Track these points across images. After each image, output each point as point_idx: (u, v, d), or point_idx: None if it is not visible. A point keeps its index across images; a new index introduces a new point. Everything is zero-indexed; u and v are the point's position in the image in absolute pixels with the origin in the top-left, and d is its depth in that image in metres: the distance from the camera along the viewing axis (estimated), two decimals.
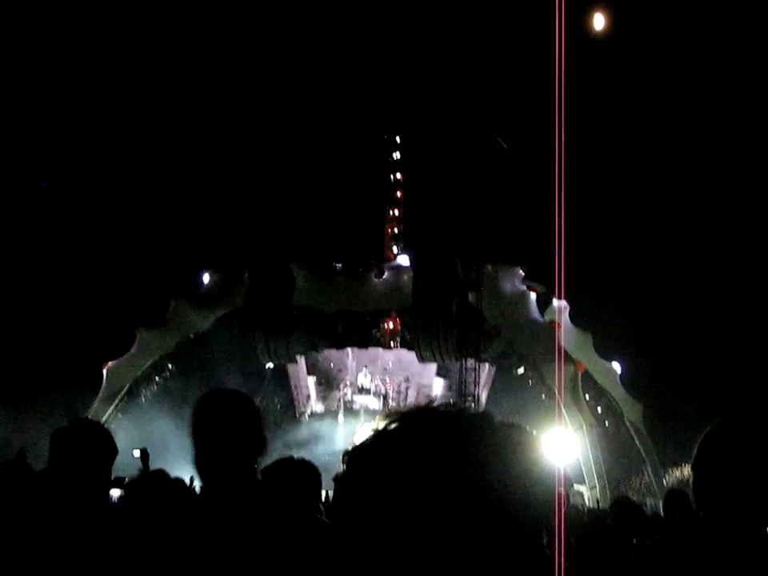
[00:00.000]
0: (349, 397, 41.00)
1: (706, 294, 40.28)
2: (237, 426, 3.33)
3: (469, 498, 1.19)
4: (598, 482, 35.99)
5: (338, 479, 10.24)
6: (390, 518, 1.22)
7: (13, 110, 35.69)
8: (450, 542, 1.18)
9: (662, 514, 8.60)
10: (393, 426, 1.30)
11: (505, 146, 36.11)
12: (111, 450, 3.75)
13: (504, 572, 1.20)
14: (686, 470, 36.64)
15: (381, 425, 1.31)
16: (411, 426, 1.29)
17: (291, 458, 4.31)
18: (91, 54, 37.06)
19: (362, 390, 40.96)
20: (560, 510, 1.28)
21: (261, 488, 3.47)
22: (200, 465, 3.35)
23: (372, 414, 39.82)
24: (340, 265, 38.87)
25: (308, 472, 4.25)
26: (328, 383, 41.59)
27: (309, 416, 41.52)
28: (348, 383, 41.02)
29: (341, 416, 40.97)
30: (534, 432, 1.43)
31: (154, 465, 8.44)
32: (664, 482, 36.48)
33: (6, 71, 34.58)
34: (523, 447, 1.29)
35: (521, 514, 1.22)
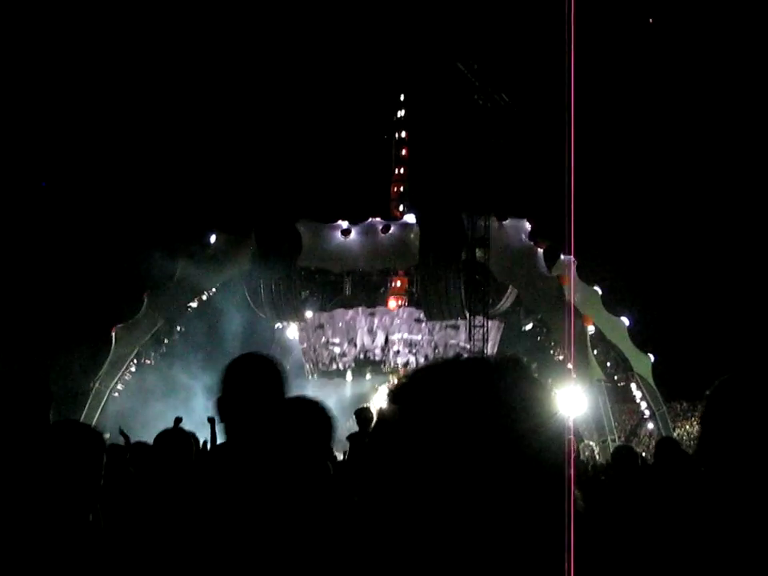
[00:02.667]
0: (357, 355, 41.09)
1: (712, 246, 40.18)
2: (265, 389, 3.38)
3: (502, 444, 1.19)
4: (609, 437, 36.07)
5: (351, 437, 10.24)
6: (427, 464, 1.20)
7: (13, 110, 35.59)
8: (485, 489, 1.18)
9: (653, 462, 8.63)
10: (424, 374, 1.29)
11: (507, 100, 35.83)
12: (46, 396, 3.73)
13: (535, 518, 1.20)
14: (696, 424, 36.76)
15: (412, 373, 1.30)
16: (444, 373, 1.28)
17: (303, 398, 4.25)
18: (91, 54, 36.84)
19: (370, 349, 41.03)
20: (570, 462, 1.25)
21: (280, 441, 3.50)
22: (227, 420, 3.38)
23: (380, 372, 40.04)
24: (346, 223, 38.74)
25: (320, 413, 4.20)
26: (336, 342, 41.64)
27: (317, 375, 41.65)
28: (356, 342, 41.07)
29: (349, 374, 41.13)
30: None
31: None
32: (674, 436, 36.59)
33: (6, 71, 34.46)
34: (548, 395, 1.29)
35: (548, 461, 1.20)
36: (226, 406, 3.39)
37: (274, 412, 3.47)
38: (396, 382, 1.34)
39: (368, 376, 40.92)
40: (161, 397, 33.21)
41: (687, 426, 38.12)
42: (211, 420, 9.78)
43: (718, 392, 2.89)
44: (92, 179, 39.21)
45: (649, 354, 38.25)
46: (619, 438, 36.67)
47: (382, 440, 1.27)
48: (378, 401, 38.77)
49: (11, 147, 36.12)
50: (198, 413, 19.05)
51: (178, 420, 10.14)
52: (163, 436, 5.64)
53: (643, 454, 36.33)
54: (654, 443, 37.17)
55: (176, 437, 5.72)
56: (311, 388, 39.80)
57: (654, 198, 41.26)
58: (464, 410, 1.22)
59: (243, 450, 3.33)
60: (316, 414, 4.19)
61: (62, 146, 39.81)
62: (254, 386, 3.41)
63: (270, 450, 3.39)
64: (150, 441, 6.36)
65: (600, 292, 38.45)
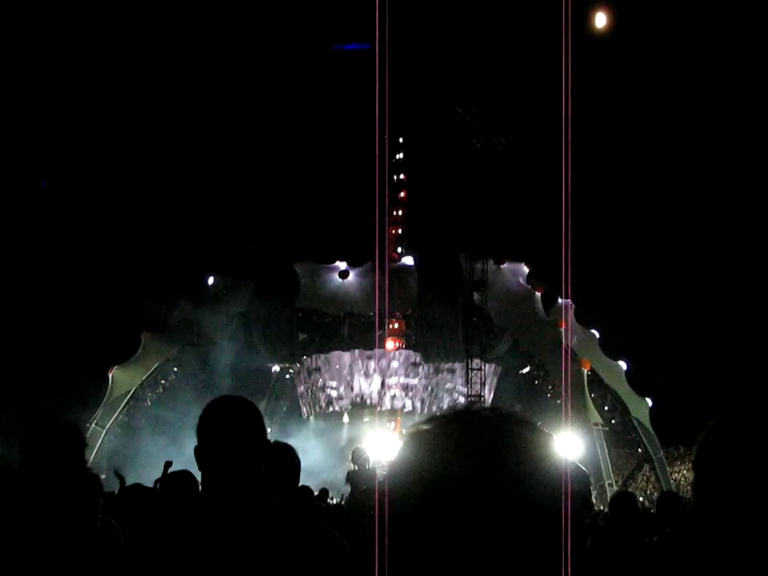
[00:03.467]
0: (354, 399, 40.98)
1: (710, 292, 40.24)
2: (242, 432, 3.33)
3: (518, 498, 1.20)
4: (606, 481, 35.93)
5: (350, 476, 10.25)
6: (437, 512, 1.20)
7: (13, 109, 35.71)
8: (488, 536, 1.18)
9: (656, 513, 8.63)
10: (436, 426, 1.31)
11: (505, 143, 36.07)
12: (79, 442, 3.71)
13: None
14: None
15: (424, 425, 1.32)
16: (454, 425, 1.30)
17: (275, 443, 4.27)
18: (91, 54, 37.04)
19: (366, 393, 40.94)
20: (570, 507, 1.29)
21: (265, 494, 3.47)
22: (204, 470, 3.34)
23: (377, 415, 39.93)
24: (344, 265, 38.83)
25: (286, 455, 4.24)
26: (332, 386, 41.54)
27: (314, 417, 41.54)
28: (352, 386, 40.98)
29: (345, 417, 41.01)
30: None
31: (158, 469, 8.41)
32: (671, 480, 36.46)
33: (6, 71, 34.62)
34: (551, 448, 1.32)
35: (548, 508, 1.23)
36: (202, 454, 3.36)
37: (259, 473, 3.45)
38: (409, 431, 1.35)
39: (365, 418, 40.78)
40: (156, 438, 33.10)
41: (684, 471, 37.96)
42: (167, 464, 9.75)
43: (708, 437, 2.91)
44: (90, 218, 39.30)
45: (646, 398, 38.21)
46: (617, 482, 36.52)
47: (394, 489, 1.29)
48: (374, 442, 38.68)
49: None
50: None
51: (168, 464, 10.02)
52: (169, 479, 5.61)
53: (640, 499, 36.29)
54: (651, 487, 37.17)
55: (182, 480, 5.71)
56: (309, 430, 39.76)
57: (651, 243, 41.37)
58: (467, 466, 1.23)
59: (218, 502, 3.29)
60: (286, 457, 4.22)
61: (61, 178, 39.96)
62: (229, 431, 3.35)
63: (244, 498, 3.36)
64: (144, 482, 6.34)
65: (597, 335, 38.47)
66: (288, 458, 4.23)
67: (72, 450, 3.50)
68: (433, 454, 1.25)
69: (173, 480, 5.84)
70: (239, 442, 3.26)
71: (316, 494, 10.38)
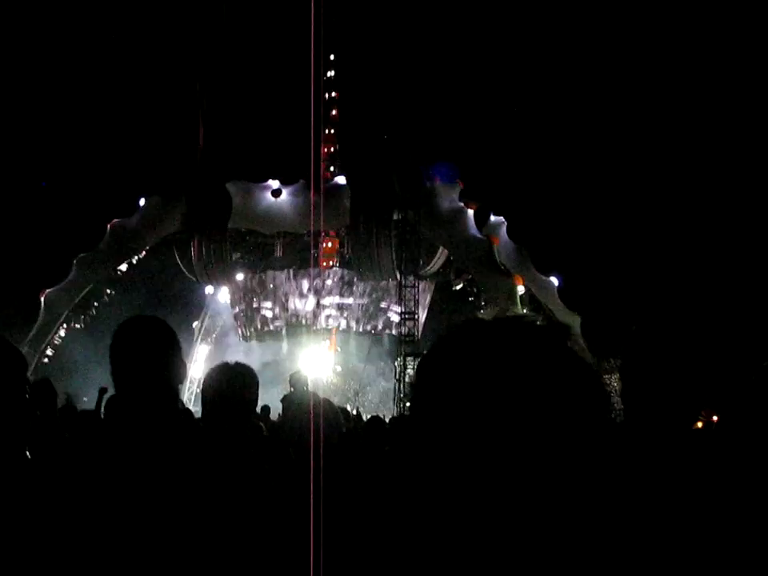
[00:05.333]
0: (289, 319, 41.04)
1: (639, 202, 40.73)
2: (155, 352, 3.34)
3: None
4: None
5: (285, 399, 10.32)
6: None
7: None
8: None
9: None
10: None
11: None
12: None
13: None
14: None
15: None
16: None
17: (227, 364, 4.35)
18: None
19: (302, 313, 41.00)
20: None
21: (184, 414, 3.51)
22: (119, 392, 3.35)
23: (313, 332, 40.10)
24: (277, 183, 38.48)
25: (246, 375, 4.32)
26: (267, 307, 41.50)
27: (249, 337, 41.59)
28: (287, 306, 40.99)
29: (284, 334, 41.10)
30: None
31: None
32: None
33: (6, 71, 33.67)
34: None
35: None
36: (119, 380, 3.36)
37: (176, 394, 3.48)
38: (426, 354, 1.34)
39: (303, 336, 40.92)
40: (88, 362, 32.89)
41: (615, 383, 38.72)
42: (102, 390, 9.71)
43: (635, 338, 2.98)
44: (24, 136, 38.51)
45: (577, 312, 38.71)
46: None
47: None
48: (309, 359, 38.92)
49: None
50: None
51: (103, 390, 9.94)
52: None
53: None
54: None
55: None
56: (245, 350, 39.86)
57: (586, 156, 41.65)
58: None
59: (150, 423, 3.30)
60: (240, 376, 4.28)
61: None
62: (142, 351, 3.36)
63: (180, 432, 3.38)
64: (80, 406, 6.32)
65: (529, 253, 38.78)
66: (249, 380, 4.31)
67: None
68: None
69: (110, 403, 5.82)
70: (148, 364, 3.28)
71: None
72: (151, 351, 3.30)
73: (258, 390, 4.38)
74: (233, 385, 4.18)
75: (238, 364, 4.41)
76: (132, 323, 3.51)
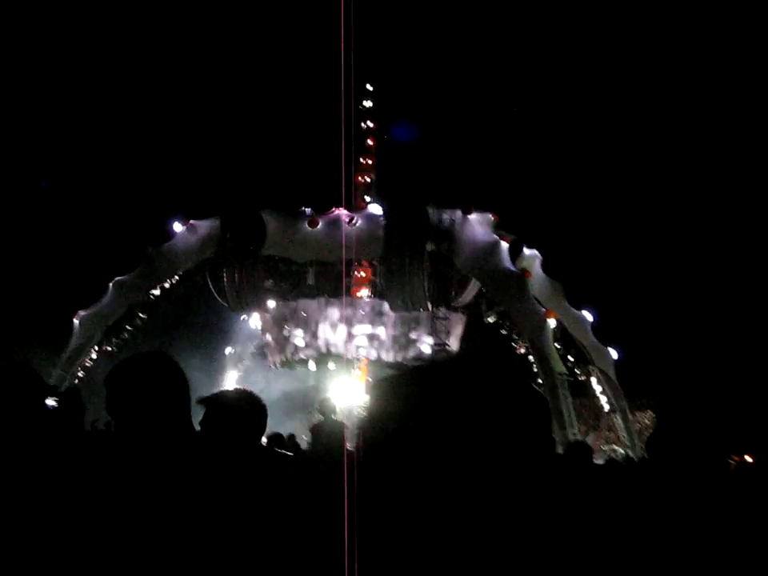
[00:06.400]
0: (320, 348, 40.99)
1: (677, 241, 40.49)
2: (152, 390, 3.27)
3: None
4: (570, 431, 36.25)
5: (315, 428, 10.24)
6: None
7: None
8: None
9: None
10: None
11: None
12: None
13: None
14: (656, 417, 37.05)
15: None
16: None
17: (229, 391, 4.27)
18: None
19: (332, 342, 40.95)
20: None
21: (199, 437, 3.45)
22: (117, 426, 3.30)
23: (342, 362, 40.03)
24: (310, 211, 38.63)
25: (252, 404, 4.22)
26: (298, 335, 41.49)
27: (280, 365, 41.57)
28: (318, 335, 40.96)
29: (312, 365, 41.03)
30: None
31: None
32: (633, 430, 36.87)
33: (7, 71, 34.17)
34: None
35: None
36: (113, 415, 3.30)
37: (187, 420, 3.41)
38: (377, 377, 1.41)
39: (331, 365, 40.85)
40: None
41: (646, 421, 38.44)
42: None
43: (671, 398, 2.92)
44: (58, 164, 38.92)
45: (611, 348, 38.46)
46: (580, 432, 36.87)
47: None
48: (339, 391, 38.81)
49: None
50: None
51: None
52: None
53: (604, 448, 36.72)
54: (614, 437, 37.60)
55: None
56: (275, 377, 39.90)
57: (620, 193, 41.52)
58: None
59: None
60: (250, 405, 4.20)
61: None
62: (138, 391, 3.29)
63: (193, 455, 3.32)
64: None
65: (563, 287, 38.63)
66: (253, 406, 4.21)
67: None
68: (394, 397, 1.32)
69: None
70: (140, 404, 3.21)
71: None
72: (145, 391, 3.24)
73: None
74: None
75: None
76: (126, 364, 3.44)
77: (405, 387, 1.34)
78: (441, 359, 1.44)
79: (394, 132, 37.38)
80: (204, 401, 4.06)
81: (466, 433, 1.27)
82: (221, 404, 4.10)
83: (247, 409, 4.12)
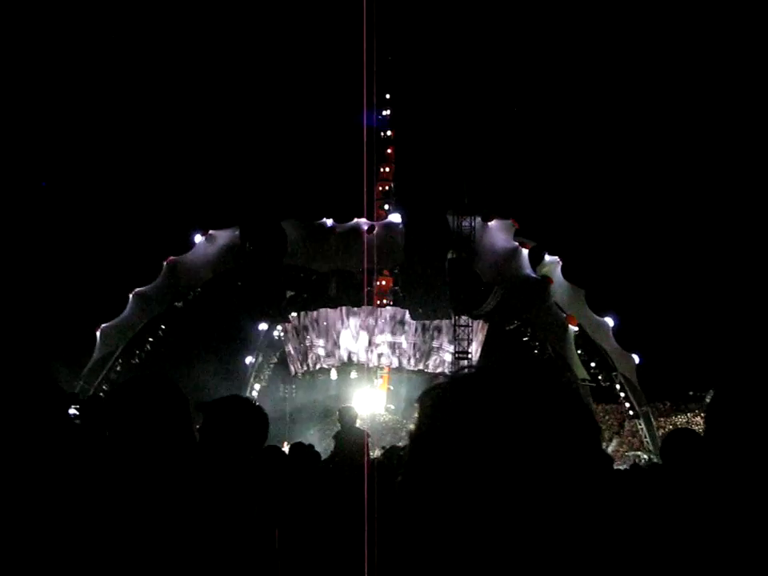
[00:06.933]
0: (341, 357, 41.02)
1: (698, 247, 40.31)
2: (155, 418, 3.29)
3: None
4: None
5: (337, 435, 10.27)
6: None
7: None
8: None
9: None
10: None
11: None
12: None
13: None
14: (679, 422, 36.87)
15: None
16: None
17: (235, 397, 4.27)
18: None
19: (354, 351, 40.96)
20: None
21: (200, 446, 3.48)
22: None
23: (363, 371, 40.03)
24: (331, 221, 38.70)
25: (250, 412, 4.22)
26: (320, 345, 41.51)
27: (302, 374, 41.59)
28: (339, 344, 40.98)
29: (334, 373, 41.07)
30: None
31: None
32: (657, 435, 36.70)
33: (7, 71, 34.42)
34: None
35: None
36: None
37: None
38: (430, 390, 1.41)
39: (353, 375, 40.88)
40: None
41: (670, 426, 38.22)
42: None
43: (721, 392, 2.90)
44: (79, 172, 39.12)
45: (633, 354, 38.32)
46: (603, 438, 36.69)
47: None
48: (361, 399, 38.82)
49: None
50: None
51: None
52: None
53: (628, 454, 36.56)
54: (637, 442, 37.42)
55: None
56: (296, 386, 39.94)
57: (641, 199, 41.39)
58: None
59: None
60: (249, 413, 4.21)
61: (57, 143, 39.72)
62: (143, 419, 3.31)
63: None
64: None
65: (584, 293, 38.53)
66: (251, 413, 4.21)
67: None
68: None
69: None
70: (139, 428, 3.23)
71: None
72: (143, 416, 3.25)
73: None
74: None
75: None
76: (123, 391, 3.45)
77: (455, 400, 1.34)
78: (487, 369, 1.44)
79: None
80: (201, 407, 4.08)
81: (517, 449, 1.26)
82: (217, 410, 4.11)
83: (244, 416, 4.13)
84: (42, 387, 3.40)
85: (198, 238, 39.77)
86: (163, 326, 40.38)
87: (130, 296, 38.92)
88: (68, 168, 38.89)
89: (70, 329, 36.38)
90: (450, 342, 37.88)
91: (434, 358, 40.40)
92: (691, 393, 37.64)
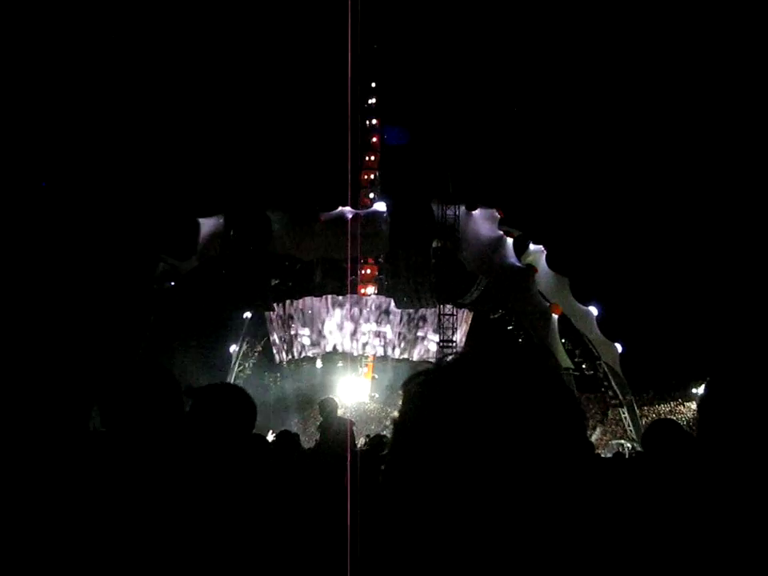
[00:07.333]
0: (326, 345, 41.03)
1: (681, 236, 40.44)
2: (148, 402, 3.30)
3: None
4: None
5: (321, 426, 10.28)
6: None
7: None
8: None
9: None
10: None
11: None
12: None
13: None
14: (662, 411, 37.05)
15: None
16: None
17: (220, 384, 4.26)
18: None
19: (339, 340, 40.97)
20: None
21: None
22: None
23: (348, 360, 40.05)
24: (315, 209, 38.63)
25: (237, 398, 4.21)
26: (305, 334, 41.50)
27: (287, 363, 41.57)
28: (324, 333, 40.98)
29: (319, 362, 41.08)
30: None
31: None
32: (640, 424, 36.84)
33: (7, 71, 34.23)
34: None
35: None
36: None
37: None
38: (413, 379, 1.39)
39: (339, 363, 40.89)
40: None
41: (653, 415, 38.38)
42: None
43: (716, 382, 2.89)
44: (69, 168, 39.00)
45: (616, 343, 38.43)
46: (587, 427, 36.81)
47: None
48: (346, 386, 38.85)
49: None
50: None
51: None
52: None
53: (612, 442, 36.71)
54: (621, 431, 37.58)
55: None
56: (282, 374, 39.92)
57: (625, 189, 41.48)
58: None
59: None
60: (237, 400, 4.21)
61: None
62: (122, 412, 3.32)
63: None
64: None
65: (569, 282, 38.60)
66: (239, 399, 4.20)
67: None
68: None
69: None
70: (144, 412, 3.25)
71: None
72: (137, 403, 3.27)
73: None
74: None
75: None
76: (120, 375, 3.46)
77: (440, 386, 1.32)
78: (471, 355, 1.42)
79: (387, 136, 37.50)
80: (189, 392, 4.07)
81: (503, 434, 1.26)
82: (206, 396, 4.11)
83: (234, 402, 4.13)
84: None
85: (183, 226, 39.64)
86: (147, 314, 40.27)
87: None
88: (50, 160, 38.75)
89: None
90: (435, 331, 37.90)
91: (419, 347, 40.45)
92: (674, 382, 37.77)
